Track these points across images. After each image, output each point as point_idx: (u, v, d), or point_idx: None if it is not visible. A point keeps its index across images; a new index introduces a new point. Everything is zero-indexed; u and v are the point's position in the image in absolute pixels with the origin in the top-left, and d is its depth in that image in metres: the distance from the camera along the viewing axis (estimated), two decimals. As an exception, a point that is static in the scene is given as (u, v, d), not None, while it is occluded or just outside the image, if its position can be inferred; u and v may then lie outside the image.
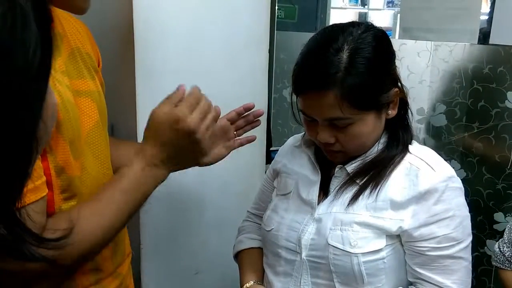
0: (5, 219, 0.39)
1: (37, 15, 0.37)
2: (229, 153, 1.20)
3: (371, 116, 0.97)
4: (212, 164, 1.21)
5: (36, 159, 0.40)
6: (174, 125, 0.91)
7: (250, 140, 1.23)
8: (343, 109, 0.93)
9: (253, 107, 1.18)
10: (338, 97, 0.92)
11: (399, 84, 1.03)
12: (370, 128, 0.98)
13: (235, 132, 1.19)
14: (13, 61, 0.34)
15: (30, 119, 0.38)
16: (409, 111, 1.07)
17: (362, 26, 0.98)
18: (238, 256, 1.24)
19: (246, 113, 1.18)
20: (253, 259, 1.20)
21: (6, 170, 0.37)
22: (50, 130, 0.45)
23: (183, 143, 0.92)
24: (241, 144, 1.22)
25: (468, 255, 1.00)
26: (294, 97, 1.03)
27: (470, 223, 1.01)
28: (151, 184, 0.92)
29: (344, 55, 0.93)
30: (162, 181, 0.94)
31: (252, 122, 1.20)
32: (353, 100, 0.93)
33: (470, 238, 1.00)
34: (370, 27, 0.99)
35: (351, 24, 0.99)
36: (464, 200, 1.01)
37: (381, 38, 0.99)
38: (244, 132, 1.22)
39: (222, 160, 1.17)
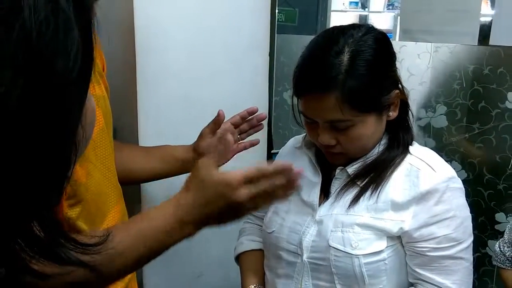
0: (45, 222, 0.38)
1: (78, 20, 0.36)
2: (233, 156, 1.21)
3: (372, 118, 0.98)
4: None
5: (76, 163, 0.40)
6: (222, 188, 0.79)
7: (254, 143, 1.24)
8: (344, 112, 0.93)
9: (257, 111, 1.19)
10: (339, 100, 0.92)
11: (399, 85, 1.03)
12: (371, 130, 0.99)
13: (238, 136, 1.20)
14: (54, 66, 0.34)
15: (69, 124, 0.37)
16: (409, 112, 1.08)
17: (362, 29, 0.98)
18: (239, 258, 1.24)
19: (250, 117, 1.19)
20: (254, 261, 1.20)
21: (46, 174, 0.37)
22: (89, 136, 0.45)
23: (223, 209, 0.80)
24: (245, 148, 1.23)
25: (469, 255, 1.00)
26: (295, 99, 1.03)
27: (471, 224, 1.01)
28: (173, 240, 0.83)
29: (345, 57, 0.93)
30: (187, 238, 0.84)
31: (256, 126, 1.20)
32: (354, 102, 0.93)
33: (471, 239, 1.00)
34: (371, 29, 1.00)
35: (352, 26, 0.99)
36: (465, 201, 1.01)
37: (381, 40, 0.99)
38: (248, 136, 1.23)
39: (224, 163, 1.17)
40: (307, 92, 0.97)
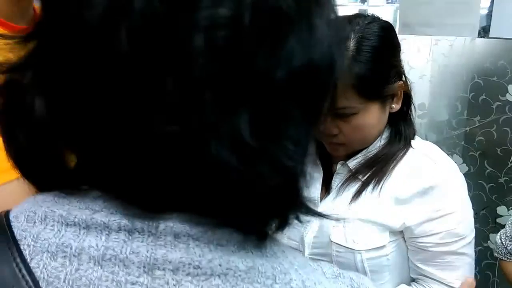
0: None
1: None
2: None
3: (376, 107, 0.97)
4: None
5: None
6: None
7: None
8: (349, 98, 0.93)
9: None
10: (344, 85, 0.92)
11: (403, 77, 1.03)
12: (374, 119, 0.98)
13: None
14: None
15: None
16: (412, 106, 1.07)
17: (368, 17, 0.99)
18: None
19: None
20: None
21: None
22: None
23: None
24: None
25: (471, 251, 0.99)
26: None
27: (473, 219, 1.00)
28: None
29: (351, 43, 0.93)
30: None
31: None
32: (358, 89, 0.93)
33: (473, 234, 1.00)
34: (376, 18, 1.00)
35: (357, 15, 1.00)
36: (467, 196, 1.01)
37: (387, 28, 0.99)
38: None
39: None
40: None
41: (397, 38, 1.02)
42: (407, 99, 1.05)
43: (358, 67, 0.92)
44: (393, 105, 1.01)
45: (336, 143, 1.01)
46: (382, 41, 0.96)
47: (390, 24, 1.02)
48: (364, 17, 0.98)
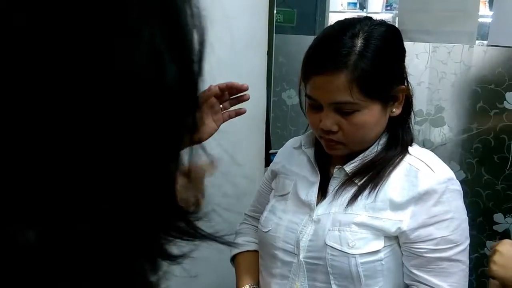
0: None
1: None
2: (219, 126, 1.19)
3: (377, 107, 0.98)
4: (205, 140, 1.19)
5: None
6: None
7: (240, 112, 1.21)
8: (353, 93, 0.94)
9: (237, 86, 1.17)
10: (349, 80, 0.93)
11: (406, 83, 1.04)
12: (374, 119, 0.99)
13: (221, 106, 1.18)
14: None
15: None
16: (412, 113, 1.08)
17: (377, 20, 1.02)
18: (234, 259, 1.24)
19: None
20: (250, 262, 1.19)
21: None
22: None
23: None
24: (230, 116, 1.19)
25: (465, 258, 0.99)
26: (302, 93, 1.04)
27: (468, 227, 1.01)
28: None
29: (359, 41, 0.95)
30: None
31: (238, 97, 1.18)
32: (363, 85, 0.94)
33: (468, 242, 1.00)
34: (384, 22, 1.02)
35: (367, 17, 1.03)
36: (463, 203, 1.01)
37: (394, 32, 1.02)
38: (231, 106, 1.20)
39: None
40: (318, 70, 0.97)
41: (403, 44, 1.04)
42: (408, 105, 1.06)
43: (364, 64, 0.94)
44: (394, 109, 1.02)
45: (334, 141, 1.01)
46: (389, 43, 0.99)
47: (398, 29, 1.04)
48: (373, 20, 1.01)
